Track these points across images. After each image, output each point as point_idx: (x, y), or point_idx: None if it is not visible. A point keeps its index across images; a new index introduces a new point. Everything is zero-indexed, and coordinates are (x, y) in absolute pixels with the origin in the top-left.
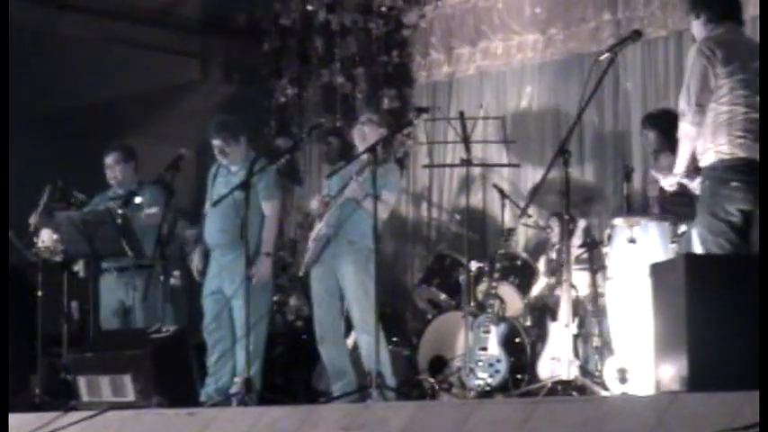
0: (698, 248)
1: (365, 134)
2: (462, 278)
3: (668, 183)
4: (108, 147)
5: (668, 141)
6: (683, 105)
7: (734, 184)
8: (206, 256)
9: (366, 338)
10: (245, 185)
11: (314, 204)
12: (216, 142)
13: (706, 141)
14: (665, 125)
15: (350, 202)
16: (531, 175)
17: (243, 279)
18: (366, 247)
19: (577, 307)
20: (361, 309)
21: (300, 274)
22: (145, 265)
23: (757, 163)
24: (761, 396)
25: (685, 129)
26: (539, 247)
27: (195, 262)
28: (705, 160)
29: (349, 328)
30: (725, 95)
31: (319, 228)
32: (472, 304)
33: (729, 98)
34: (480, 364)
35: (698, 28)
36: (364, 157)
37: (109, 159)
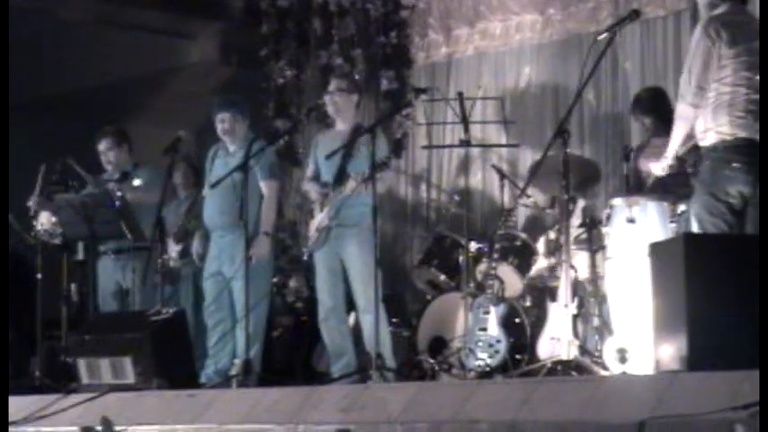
0: (694, 228)
1: (337, 103)
2: (461, 259)
3: (661, 167)
4: (100, 132)
5: (663, 123)
6: (683, 85)
7: (735, 165)
8: (206, 239)
9: (369, 319)
10: (244, 167)
11: (313, 195)
12: (225, 115)
13: (707, 122)
14: (659, 107)
15: (344, 198)
16: (530, 156)
17: (242, 260)
18: (369, 225)
19: (577, 287)
20: (366, 289)
21: (305, 257)
22: (144, 247)
23: (755, 142)
24: (761, 375)
25: (684, 110)
26: (538, 228)
27: (195, 246)
28: (706, 141)
29: (349, 308)
30: (728, 76)
31: (321, 218)
32: (471, 285)
33: (732, 79)
34: (480, 344)
35: (703, 3)
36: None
37: (101, 145)
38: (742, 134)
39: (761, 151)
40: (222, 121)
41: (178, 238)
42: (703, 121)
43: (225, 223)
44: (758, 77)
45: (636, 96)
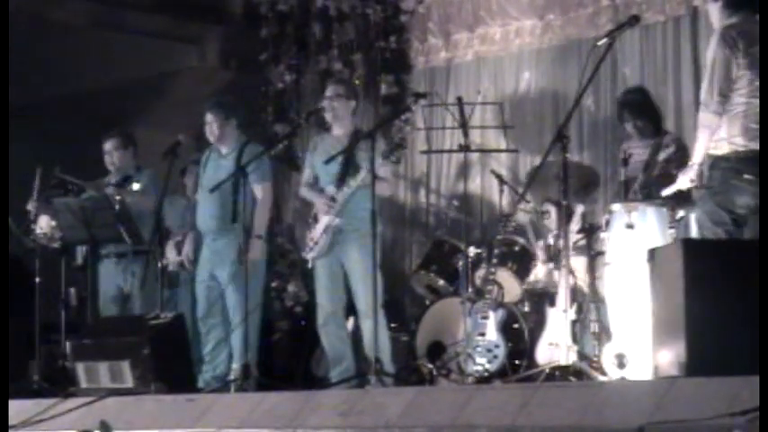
0: (694, 233)
1: (335, 109)
2: (460, 264)
3: (688, 179)
4: (107, 133)
5: (652, 124)
6: (705, 95)
7: (747, 176)
8: (197, 243)
9: (370, 323)
10: (242, 170)
11: (319, 205)
12: (209, 116)
13: (720, 131)
14: (649, 109)
15: (358, 189)
16: (530, 161)
17: (233, 264)
18: (369, 230)
19: (575, 293)
20: (367, 294)
21: (310, 266)
22: (144, 251)
23: None
24: (761, 380)
25: (708, 118)
26: (537, 233)
27: (186, 250)
28: (718, 150)
29: (348, 313)
30: (744, 87)
31: (329, 219)
32: (470, 290)
33: (748, 90)
34: (479, 349)
35: (715, 13)
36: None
37: (107, 145)
38: (755, 146)
39: (761, 153)
40: (207, 122)
41: (180, 248)
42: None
43: (217, 226)
44: None
45: (624, 99)
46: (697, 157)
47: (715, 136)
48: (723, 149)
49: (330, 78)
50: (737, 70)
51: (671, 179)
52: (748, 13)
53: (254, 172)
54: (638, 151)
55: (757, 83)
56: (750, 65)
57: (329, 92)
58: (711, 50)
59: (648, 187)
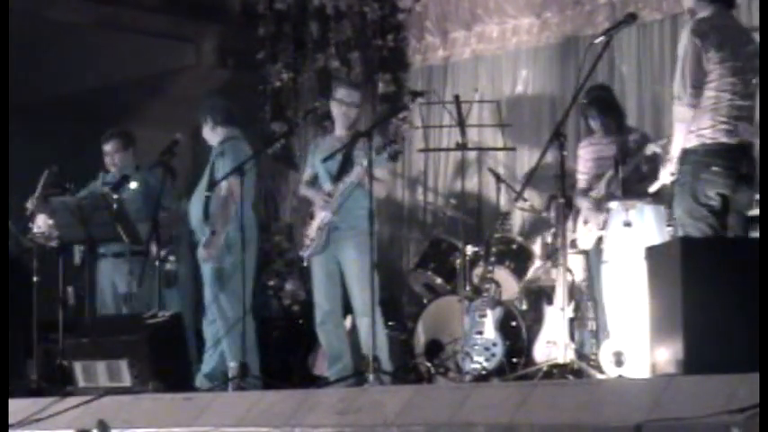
0: (679, 232)
1: (345, 113)
2: (458, 262)
3: (668, 173)
4: (107, 134)
5: (615, 121)
6: (679, 88)
7: (714, 168)
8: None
9: (366, 322)
10: (240, 169)
11: (317, 200)
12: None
13: (689, 125)
14: (616, 106)
15: (351, 186)
16: (527, 159)
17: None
18: (366, 229)
19: (573, 291)
20: (364, 293)
21: (304, 263)
22: (141, 250)
23: (735, 147)
24: (761, 378)
25: (682, 111)
26: (534, 231)
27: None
28: (687, 143)
29: (346, 311)
30: (713, 81)
31: (324, 216)
32: (468, 288)
33: (717, 84)
34: (476, 347)
35: (689, 4)
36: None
37: (108, 147)
38: (723, 139)
39: (761, 152)
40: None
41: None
42: None
43: (198, 225)
44: (743, 84)
45: (593, 96)
46: (675, 150)
47: None
48: (692, 142)
49: (338, 80)
50: (708, 64)
51: (641, 175)
52: (721, 8)
53: (220, 169)
54: (602, 148)
55: (728, 78)
56: (720, 60)
57: (347, 98)
58: (683, 44)
59: (628, 183)
